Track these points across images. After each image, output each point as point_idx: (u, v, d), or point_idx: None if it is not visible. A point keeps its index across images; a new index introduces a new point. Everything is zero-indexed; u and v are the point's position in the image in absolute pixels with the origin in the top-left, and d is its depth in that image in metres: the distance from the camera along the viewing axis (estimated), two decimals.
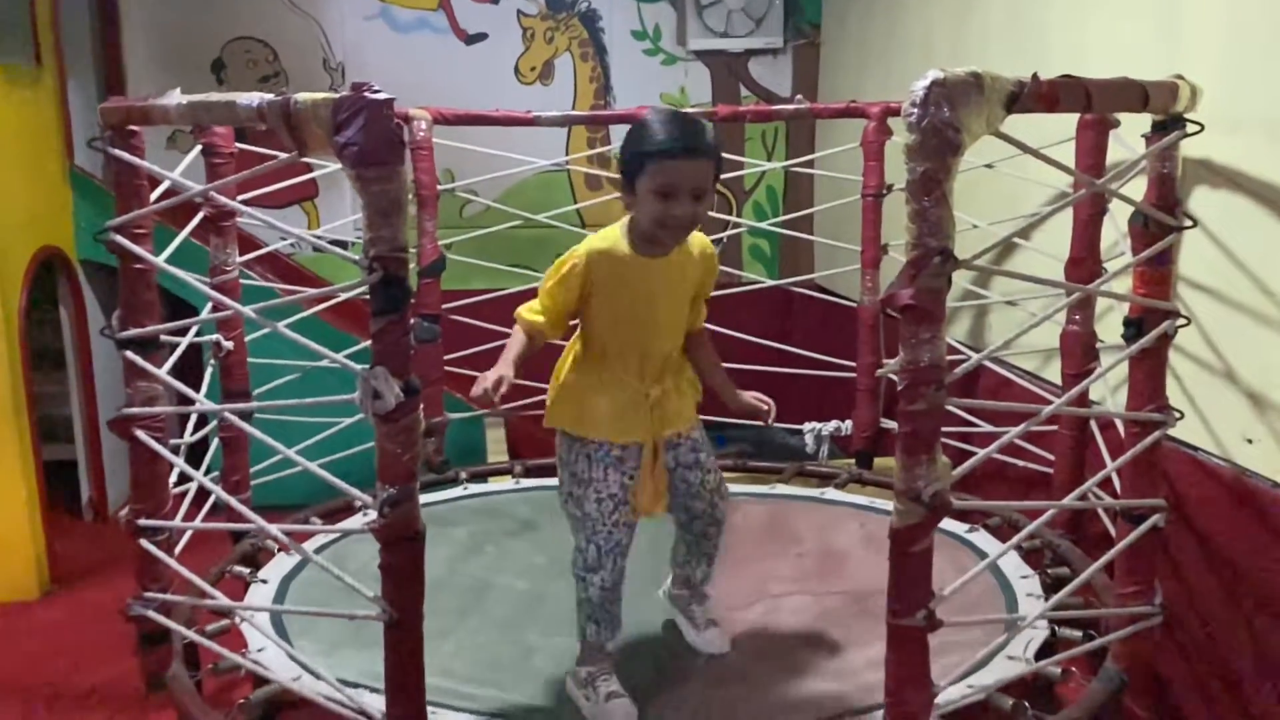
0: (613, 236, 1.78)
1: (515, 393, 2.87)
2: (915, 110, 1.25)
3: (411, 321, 2.88)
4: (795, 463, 2.90)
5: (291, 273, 3.70)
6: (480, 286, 3.26)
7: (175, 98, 1.44)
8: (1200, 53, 2.02)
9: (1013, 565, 2.25)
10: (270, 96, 1.33)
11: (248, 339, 2.43)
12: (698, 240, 1.84)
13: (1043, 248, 2.41)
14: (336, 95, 1.29)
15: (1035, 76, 1.30)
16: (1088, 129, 2.12)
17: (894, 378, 1.47)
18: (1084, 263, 2.20)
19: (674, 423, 1.83)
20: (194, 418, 2.20)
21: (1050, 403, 2.49)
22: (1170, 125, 1.58)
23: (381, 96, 1.29)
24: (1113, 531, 2.11)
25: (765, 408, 1.92)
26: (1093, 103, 1.36)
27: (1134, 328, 1.66)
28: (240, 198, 3.47)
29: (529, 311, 1.80)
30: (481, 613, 2.15)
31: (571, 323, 1.84)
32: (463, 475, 2.83)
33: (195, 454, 2.33)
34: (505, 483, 2.84)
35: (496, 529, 2.50)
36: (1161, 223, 1.59)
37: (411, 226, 2.87)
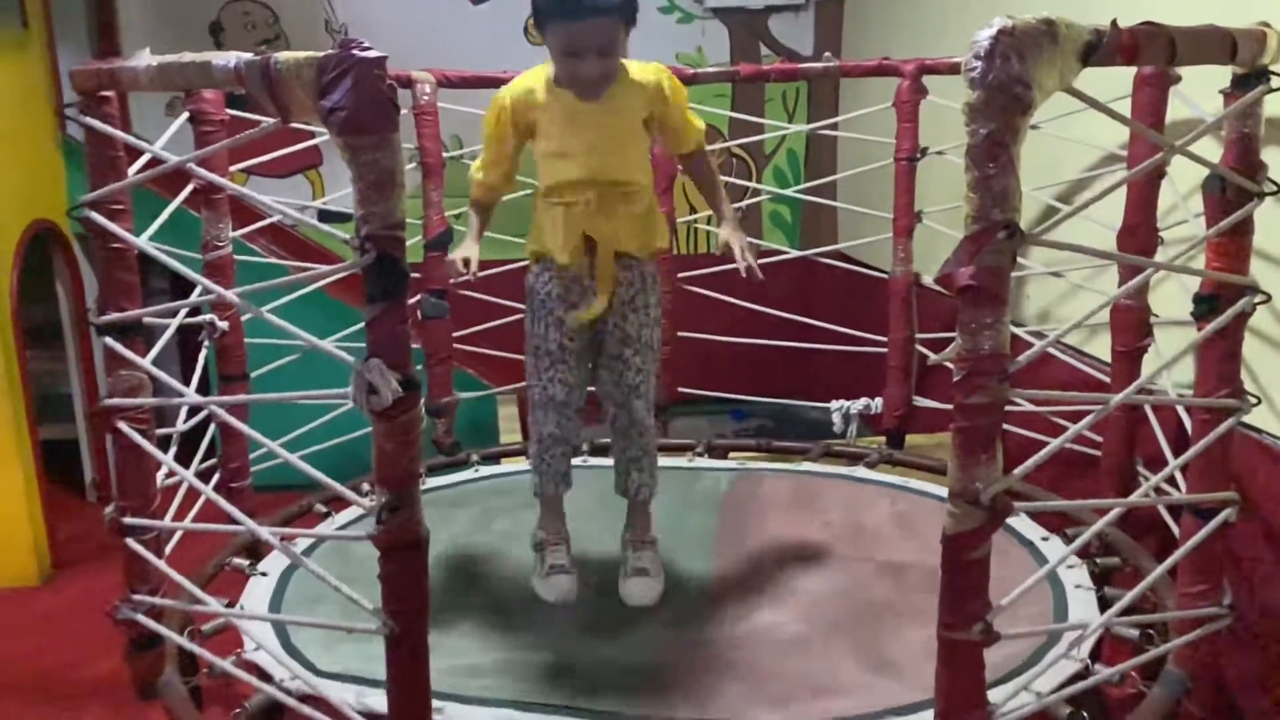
0: (539, 72, 1.78)
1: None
2: (979, 64, 1.09)
3: (418, 297, 2.79)
4: (821, 442, 2.76)
5: (295, 245, 3.57)
6: (491, 257, 3.11)
7: (144, 59, 1.29)
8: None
9: (1057, 552, 2.12)
10: (249, 56, 1.19)
11: (245, 318, 2.30)
12: (641, 73, 1.79)
13: (1088, 213, 2.24)
14: (321, 55, 1.14)
15: (1115, 24, 1.14)
16: (1146, 85, 1.95)
17: (947, 363, 1.32)
18: (1139, 231, 2.03)
19: (622, 242, 1.80)
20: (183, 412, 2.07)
21: (1097, 380, 2.39)
22: (1253, 79, 1.41)
23: (372, 54, 1.14)
24: (1168, 520, 1.97)
25: (737, 255, 1.85)
26: (1177, 53, 1.20)
27: (1207, 304, 1.51)
28: (239, 166, 3.36)
29: (475, 170, 1.88)
30: (496, 579, 2.03)
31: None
32: (474, 457, 2.71)
33: (197, 433, 2.21)
34: (518, 464, 2.71)
35: (511, 503, 2.38)
36: (1242, 188, 1.43)
37: (417, 196, 2.78)
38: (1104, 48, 1.12)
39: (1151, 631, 1.70)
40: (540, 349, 1.83)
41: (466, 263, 1.84)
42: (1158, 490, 1.46)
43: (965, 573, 1.24)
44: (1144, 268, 1.74)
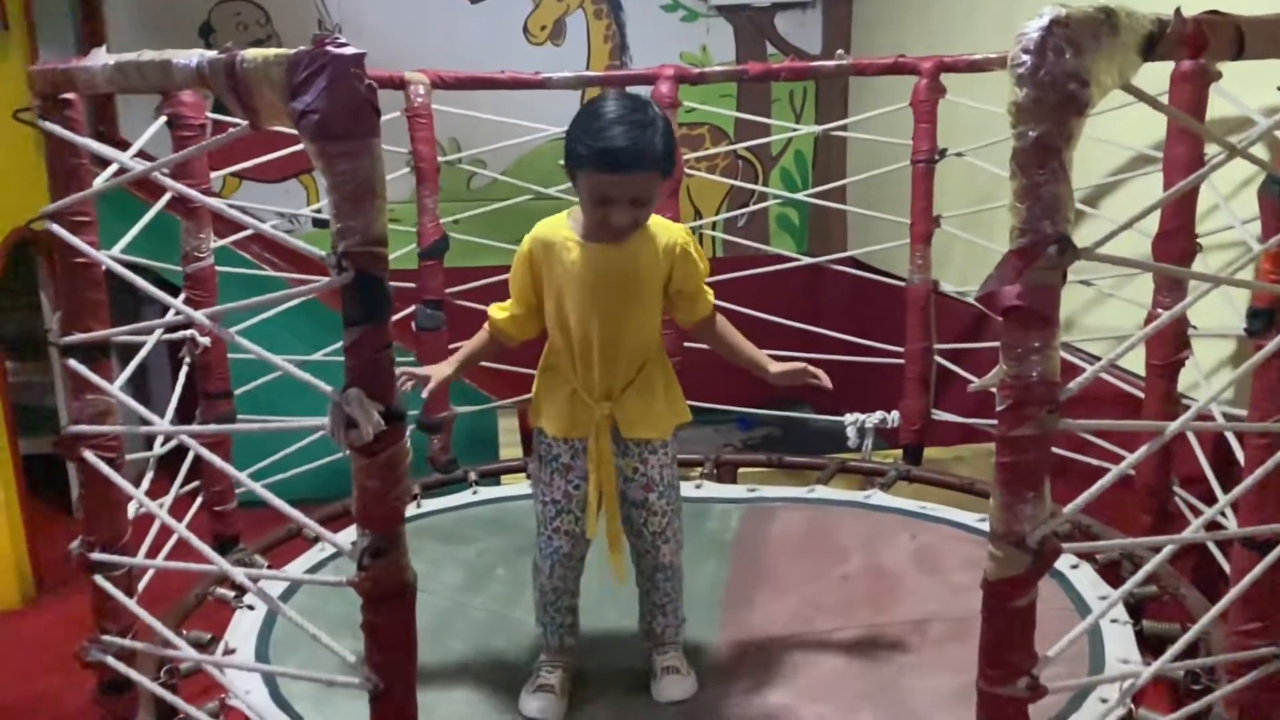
0: (559, 222, 1.69)
1: (528, 382, 2.65)
2: (1028, 58, 0.97)
3: (413, 308, 2.68)
4: (835, 457, 2.64)
5: (289, 253, 3.46)
6: (491, 264, 3.00)
7: (101, 58, 1.17)
8: None
9: (1087, 580, 2.00)
10: (212, 54, 1.07)
11: (234, 330, 2.18)
12: (666, 230, 1.68)
13: (1116, 216, 2.12)
14: (292, 51, 1.02)
15: (1179, 13, 1.02)
16: (1186, 81, 1.83)
17: (982, 385, 1.20)
18: (1177, 237, 1.91)
19: (632, 429, 1.69)
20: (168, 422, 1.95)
21: (1122, 393, 2.27)
22: None
23: (349, 52, 1.02)
24: (1211, 545, 1.86)
25: (814, 374, 1.75)
26: (1245, 46, 1.08)
27: (1263, 320, 1.40)
28: (229, 170, 3.24)
29: (496, 309, 1.76)
30: (493, 656, 1.89)
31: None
32: (472, 476, 2.59)
33: (182, 449, 2.10)
34: (519, 483, 2.59)
35: (509, 546, 2.25)
36: None
37: (411, 202, 2.67)
38: (1167, 39, 1.00)
39: (1197, 673, 1.58)
40: (546, 497, 1.72)
41: (430, 379, 1.73)
42: (1210, 524, 1.33)
43: (1008, 622, 1.12)
44: (1192, 280, 1.61)
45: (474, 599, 2.07)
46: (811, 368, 1.76)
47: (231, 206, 3.26)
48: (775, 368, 1.77)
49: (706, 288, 1.75)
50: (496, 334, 1.76)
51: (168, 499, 1.98)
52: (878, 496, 2.44)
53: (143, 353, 1.73)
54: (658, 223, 1.68)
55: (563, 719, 1.70)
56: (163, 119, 1.93)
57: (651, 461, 1.71)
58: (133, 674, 1.49)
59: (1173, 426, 1.21)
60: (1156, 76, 1.90)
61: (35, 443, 3.25)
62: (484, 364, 3.00)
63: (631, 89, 3.66)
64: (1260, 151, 1.62)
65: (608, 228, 1.60)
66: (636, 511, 1.73)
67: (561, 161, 1.62)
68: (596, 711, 1.73)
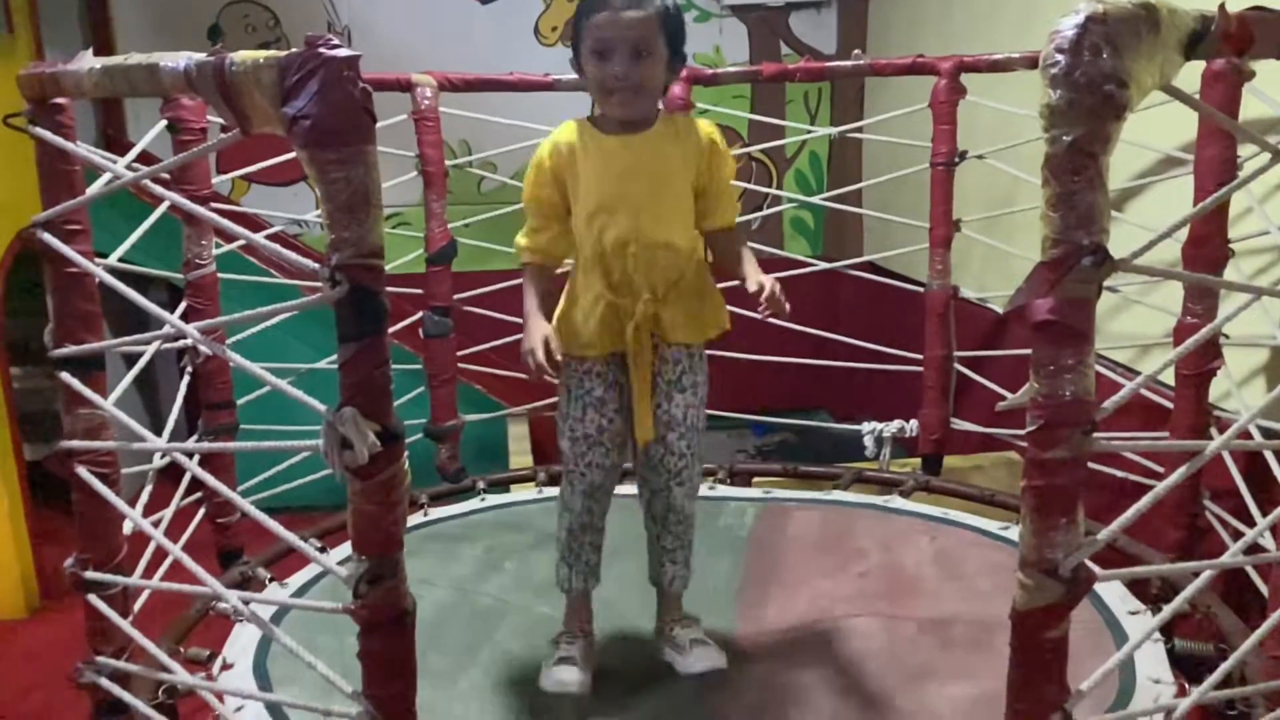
0: (571, 126, 1.64)
1: (535, 390, 2.58)
2: (1062, 58, 0.91)
3: (420, 314, 2.63)
4: (852, 467, 2.58)
5: (301, 255, 3.40)
6: (501, 268, 2.95)
7: (87, 62, 1.13)
8: None
9: (1114, 596, 1.93)
10: (200, 57, 1.02)
11: (231, 340, 2.14)
12: (692, 125, 1.66)
13: (1145, 221, 2.06)
14: (283, 54, 0.97)
15: (1223, 8, 0.95)
16: (1218, 80, 1.76)
17: (1008, 395, 1.14)
18: (1209, 243, 1.84)
19: (672, 332, 1.64)
20: (168, 434, 1.91)
21: (1149, 403, 2.20)
22: None
23: (343, 54, 0.97)
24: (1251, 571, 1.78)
25: (774, 303, 1.61)
26: None
27: None
28: (239, 173, 3.20)
29: (523, 237, 1.68)
30: (494, 644, 1.86)
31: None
32: (480, 485, 2.54)
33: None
34: (528, 491, 2.54)
35: (519, 542, 2.20)
36: None
37: (419, 206, 2.62)
38: (1211, 37, 0.94)
39: (1235, 699, 1.51)
40: (577, 432, 1.66)
41: (547, 343, 1.57)
42: (1249, 548, 1.27)
43: (1040, 654, 1.06)
44: (1228, 289, 1.55)
45: (482, 587, 2.05)
46: (776, 295, 1.62)
47: (239, 211, 3.24)
48: (752, 287, 1.64)
49: (733, 195, 1.70)
50: (539, 258, 1.66)
51: (169, 510, 1.94)
52: (897, 502, 2.38)
53: (140, 364, 1.69)
54: (684, 120, 1.66)
55: (588, 689, 1.64)
56: (163, 123, 1.89)
57: (677, 400, 1.65)
58: (127, 697, 1.45)
59: (1212, 446, 1.15)
60: (1186, 74, 1.83)
61: (41, 449, 3.23)
62: (492, 373, 3.02)
63: None
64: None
65: (610, 86, 1.55)
66: (655, 446, 1.67)
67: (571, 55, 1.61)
68: (615, 686, 1.69)
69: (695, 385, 1.67)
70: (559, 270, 1.70)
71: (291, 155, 2.51)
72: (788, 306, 1.61)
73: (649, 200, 1.59)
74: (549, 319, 1.63)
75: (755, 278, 1.63)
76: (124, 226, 1.83)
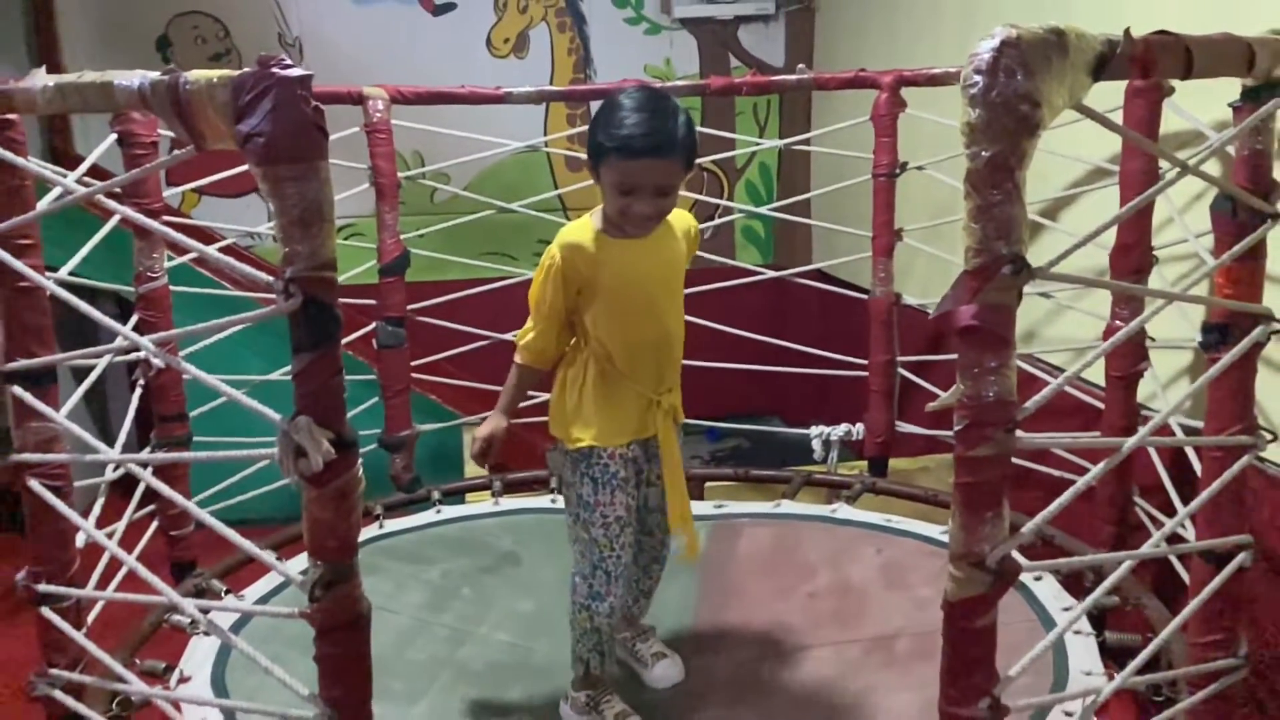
0: (585, 225, 1.66)
1: (491, 398, 2.60)
2: (980, 79, 0.97)
3: (374, 325, 2.65)
4: (801, 470, 2.64)
5: (253, 266, 3.39)
6: (456, 278, 2.98)
7: (40, 79, 1.14)
8: (1260, 3, 1.75)
9: (1050, 593, 2.00)
10: (154, 75, 1.05)
11: (184, 353, 2.14)
12: (680, 217, 1.72)
13: (1074, 229, 2.14)
14: (236, 73, 1.00)
15: (1128, 33, 1.02)
16: (1139, 97, 1.85)
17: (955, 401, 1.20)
18: (1134, 250, 1.93)
19: (682, 413, 1.76)
20: (119, 447, 1.91)
21: (1082, 404, 2.29)
22: (1265, 91, 1.30)
23: (295, 73, 1.00)
24: (1174, 560, 1.87)
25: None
26: (1194, 66, 1.09)
27: (1217, 334, 1.39)
28: (189, 186, 3.18)
29: (523, 337, 1.70)
30: (456, 670, 1.88)
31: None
32: (435, 495, 2.55)
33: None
34: (484, 503, 2.56)
35: (473, 566, 2.22)
36: (1255, 209, 1.32)
37: (371, 217, 2.64)
38: (1117, 59, 1.01)
39: (1161, 685, 1.59)
40: (609, 517, 1.66)
41: (489, 443, 1.69)
42: (1170, 538, 1.34)
43: (969, 643, 1.12)
44: (1141, 295, 1.63)
45: (439, 616, 2.05)
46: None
47: (191, 224, 3.22)
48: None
49: None
50: (535, 361, 1.69)
51: (121, 524, 1.94)
52: (844, 510, 2.43)
53: (92, 377, 1.70)
54: (675, 213, 1.71)
55: None
56: (113, 137, 1.89)
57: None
58: (81, 709, 1.45)
59: (1129, 443, 1.22)
60: (1111, 90, 1.92)
61: None
62: (447, 382, 3.04)
63: (596, 105, 3.70)
64: (1213, 166, 1.64)
65: (632, 219, 1.60)
66: (657, 514, 1.75)
67: (585, 156, 1.65)
68: None
69: (682, 434, 1.77)
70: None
71: (243, 168, 2.52)
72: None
73: (666, 297, 1.68)
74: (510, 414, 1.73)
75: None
76: (70, 239, 1.82)
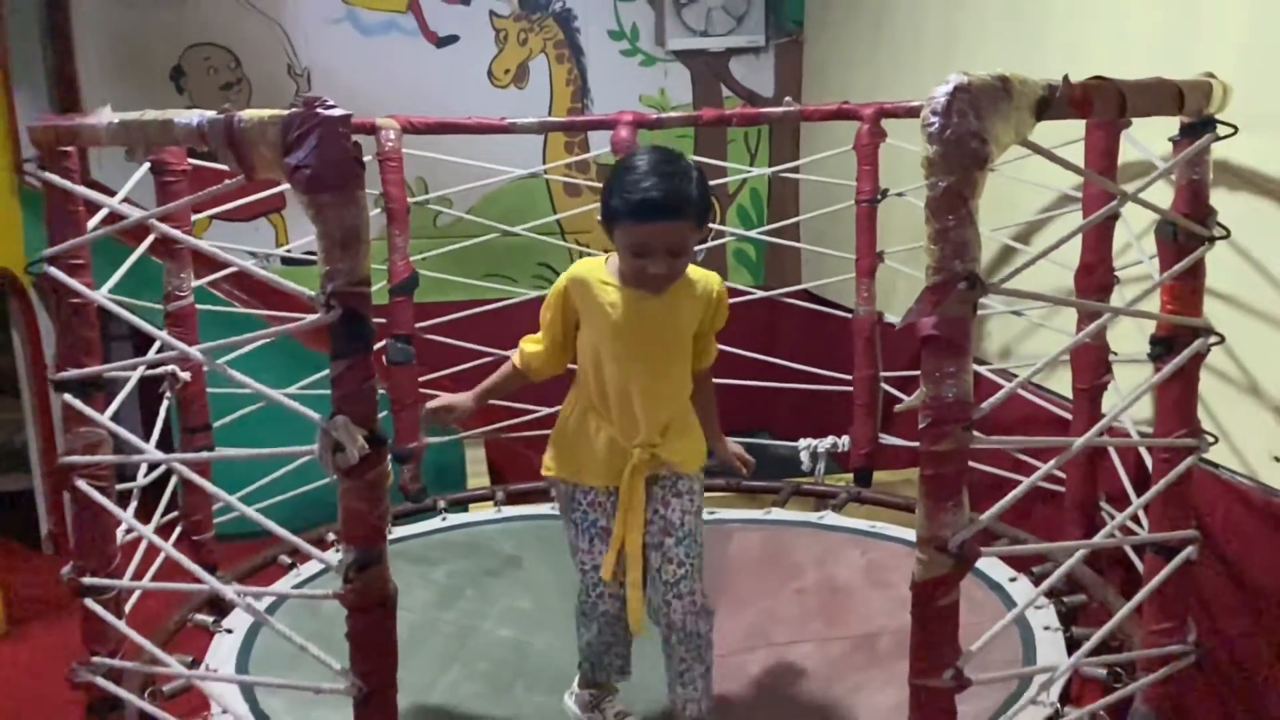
0: (597, 265, 1.70)
1: (492, 413, 2.73)
2: (936, 119, 1.11)
3: (384, 342, 2.78)
4: (790, 481, 2.77)
5: (262, 288, 3.54)
6: (458, 299, 3.11)
7: (106, 116, 1.28)
8: (1212, 47, 1.90)
9: (1025, 593, 2.13)
10: (212, 114, 1.19)
11: (208, 368, 2.26)
12: (703, 277, 1.72)
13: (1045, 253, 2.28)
14: (286, 113, 1.14)
15: (1066, 79, 1.17)
16: (1098, 129, 2.00)
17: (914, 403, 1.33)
18: (1096, 270, 2.08)
19: (668, 464, 1.70)
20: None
21: (1058, 416, 2.42)
22: (1200, 127, 1.45)
23: (337, 113, 1.14)
24: (1133, 556, 2.00)
25: (744, 468, 1.93)
26: (1127, 106, 1.24)
27: (1163, 346, 1.54)
28: (202, 214, 3.32)
29: (526, 341, 1.76)
30: (462, 663, 2.00)
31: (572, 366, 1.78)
32: (441, 504, 2.68)
33: (159, 484, 2.17)
34: (487, 511, 2.69)
35: (477, 568, 2.35)
36: (1193, 233, 1.47)
37: (382, 239, 2.77)
38: (1057, 102, 1.15)
39: (1119, 670, 1.72)
40: (587, 564, 1.70)
41: (450, 409, 1.78)
42: (1122, 529, 1.47)
43: (935, 620, 1.25)
44: (1099, 310, 1.77)
45: (445, 614, 2.17)
46: (744, 456, 1.90)
47: (203, 245, 3.36)
48: (722, 443, 1.88)
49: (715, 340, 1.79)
50: (525, 367, 1.74)
51: (149, 528, 2.06)
52: (830, 517, 2.56)
53: (129, 386, 1.82)
54: (694, 270, 1.69)
55: None
56: (146, 166, 2.02)
57: (674, 505, 1.68)
58: (121, 692, 1.57)
59: (1078, 442, 1.36)
60: (1075, 124, 2.07)
61: (5, 480, 3.30)
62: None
63: (593, 133, 3.86)
64: (1165, 193, 1.78)
65: (646, 278, 1.60)
66: (653, 554, 1.68)
67: (599, 217, 1.65)
68: None
69: (692, 493, 1.70)
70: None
71: (254, 197, 2.67)
72: (753, 462, 1.91)
73: (658, 352, 1.67)
74: (483, 403, 1.79)
75: (728, 449, 1.88)
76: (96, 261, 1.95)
